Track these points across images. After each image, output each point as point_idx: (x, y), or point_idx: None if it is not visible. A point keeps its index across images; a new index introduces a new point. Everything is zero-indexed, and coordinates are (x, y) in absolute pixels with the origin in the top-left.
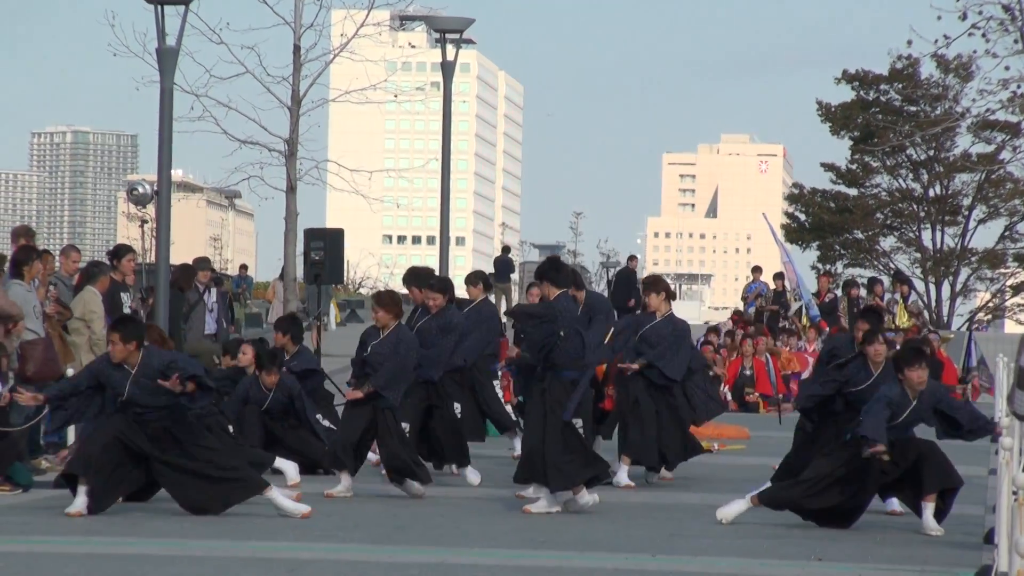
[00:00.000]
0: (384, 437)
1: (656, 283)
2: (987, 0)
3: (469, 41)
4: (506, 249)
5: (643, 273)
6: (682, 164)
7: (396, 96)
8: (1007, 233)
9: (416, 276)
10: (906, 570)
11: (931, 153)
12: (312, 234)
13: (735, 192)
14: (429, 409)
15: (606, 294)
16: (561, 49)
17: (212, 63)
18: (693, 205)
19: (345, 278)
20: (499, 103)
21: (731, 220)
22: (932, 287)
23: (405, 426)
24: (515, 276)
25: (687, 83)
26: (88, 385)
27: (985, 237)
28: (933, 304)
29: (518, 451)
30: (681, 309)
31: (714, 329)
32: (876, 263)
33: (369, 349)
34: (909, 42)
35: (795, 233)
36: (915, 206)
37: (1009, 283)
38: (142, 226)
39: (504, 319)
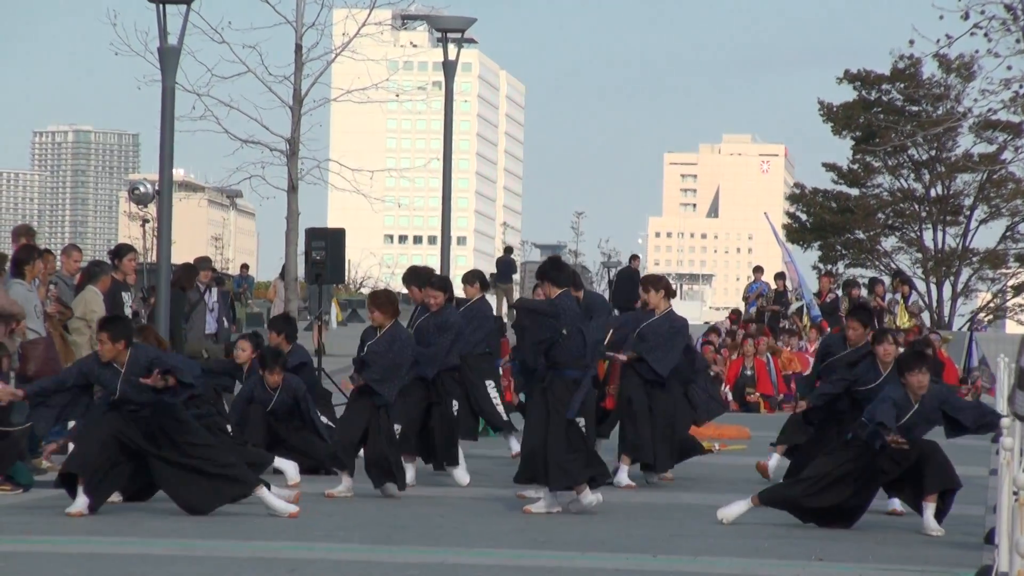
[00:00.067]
0: (373, 435)
1: (656, 280)
2: (989, 0)
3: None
4: (508, 250)
5: (645, 273)
6: (684, 164)
7: (398, 95)
8: (1008, 233)
9: (416, 275)
10: (907, 570)
11: (933, 153)
12: (313, 234)
13: (736, 192)
14: (429, 408)
15: (607, 294)
16: (562, 49)
17: (214, 62)
18: (694, 205)
19: (346, 278)
20: (500, 102)
21: (732, 220)
22: (933, 287)
23: (397, 428)
24: (516, 276)
25: (689, 83)
26: (75, 383)
27: (986, 237)
28: (934, 304)
29: (515, 450)
30: (682, 309)
31: (714, 329)
32: (877, 263)
33: (366, 349)
34: (911, 42)
35: (796, 233)
36: (916, 206)
37: (1010, 283)
38: (143, 225)
39: (505, 318)
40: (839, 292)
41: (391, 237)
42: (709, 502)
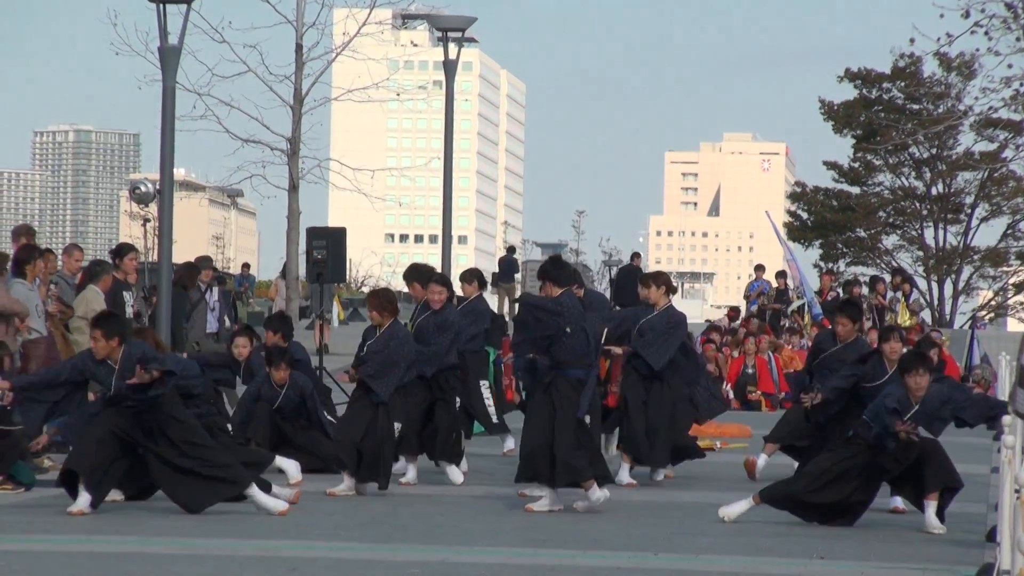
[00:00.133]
0: (370, 433)
1: (656, 276)
2: None
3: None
4: (511, 249)
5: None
6: (685, 162)
7: (398, 95)
8: (1009, 231)
9: (418, 272)
10: (908, 568)
11: (934, 151)
12: (314, 233)
13: (738, 190)
14: (431, 407)
15: (608, 293)
16: (563, 47)
17: (214, 62)
18: (695, 204)
19: (347, 277)
20: (501, 101)
21: (733, 218)
22: (935, 285)
23: (398, 426)
24: (518, 276)
25: (689, 81)
26: (69, 379)
27: (987, 235)
28: (936, 302)
29: (507, 448)
30: (684, 307)
31: (715, 328)
32: (878, 261)
33: (365, 348)
34: (912, 40)
35: (798, 231)
36: (917, 204)
37: (1011, 281)
38: (144, 225)
39: (507, 316)
40: (840, 290)
41: (392, 236)
42: (710, 500)
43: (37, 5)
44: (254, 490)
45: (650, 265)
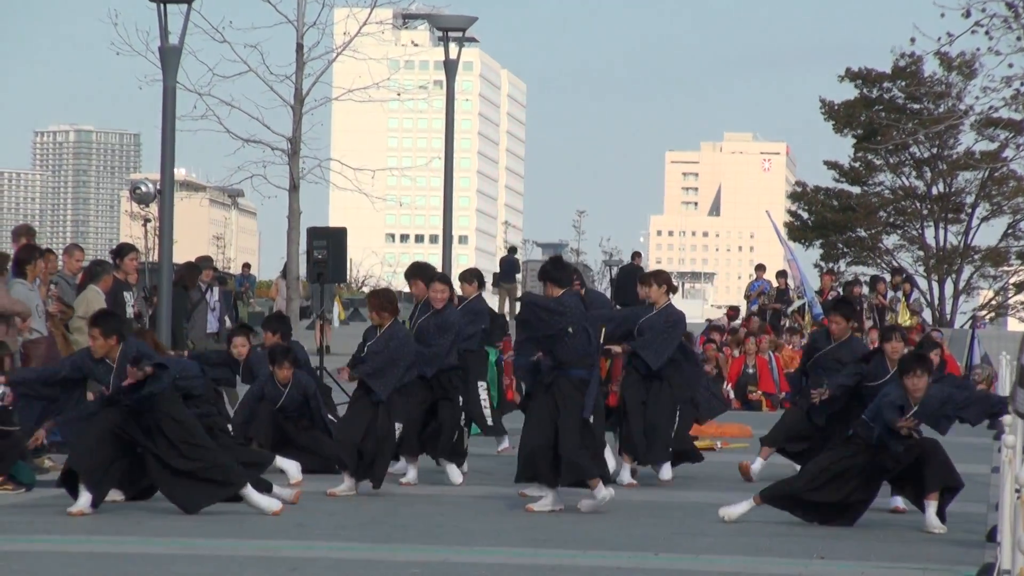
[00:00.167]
0: (370, 432)
1: (657, 275)
2: None
3: (472, 39)
4: (512, 250)
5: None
6: (685, 162)
7: (399, 94)
8: (1010, 231)
9: (421, 270)
10: (909, 568)
11: (934, 151)
12: (315, 233)
13: (738, 190)
14: (433, 408)
15: (609, 292)
16: (564, 47)
17: (215, 62)
18: (696, 203)
19: (348, 277)
20: (502, 101)
21: (734, 218)
22: (935, 285)
23: (399, 427)
24: (519, 276)
25: (690, 81)
26: (68, 376)
27: (988, 235)
28: (936, 302)
29: (501, 447)
30: (684, 307)
31: (716, 327)
32: (879, 261)
33: (366, 349)
34: (912, 40)
35: (798, 231)
36: (918, 204)
37: (1012, 281)
38: (145, 225)
39: (509, 316)
40: (841, 290)
41: (393, 236)
42: (710, 500)
43: (38, 5)
44: (248, 489)
45: (650, 265)
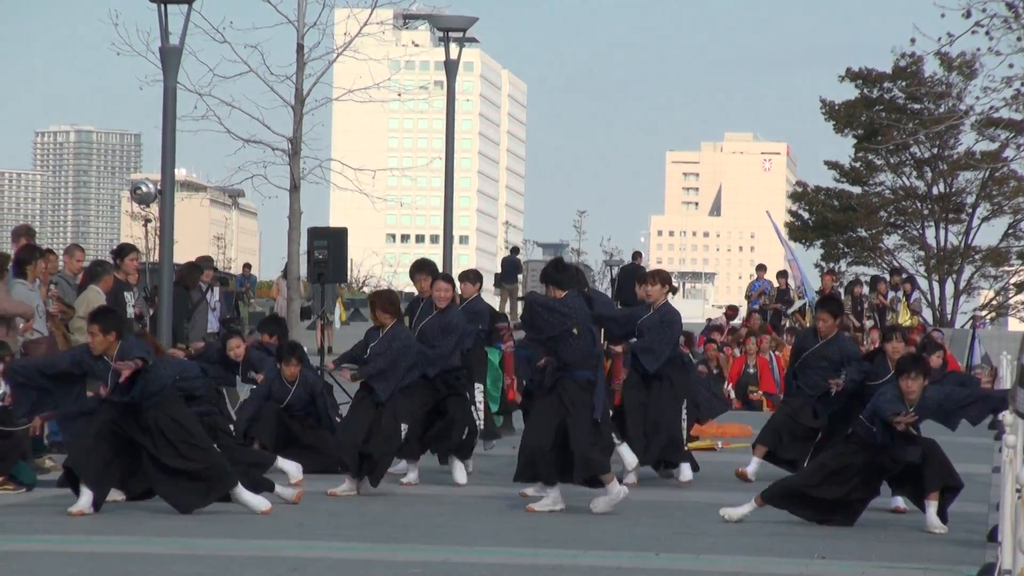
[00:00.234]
0: (375, 432)
1: (657, 273)
2: None
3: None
4: (515, 250)
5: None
6: (686, 162)
7: (399, 95)
8: (1011, 231)
9: (426, 265)
10: (910, 568)
11: (935, 151)
12: (316, 233)
13: (739, 190)
14: (437, 408)
15: (610, 293)
16: (564, 47)
17: (215, 62)
18: (697, 203)
19: (348, 277)
20: (502, 101)
21: (735, 218)
22: (936, 285)
23: (404, 427)
24: (521, 276)
25: (690, 81)
26: (68, 370)
27: (989, 235)
28: (937, 302)
29: (489, 445)
30: (685, 307)
31: (717, 327)
32: (880, 261)
33: (368, 351)
34: (912, 40)
35: (799, 231)
36: (919, 204)
37: (1013, 281)
38: (145, 225)
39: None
40: (841, 290)
41: (393, 236)
42: (711, 500)
43: (38, 5)
44: (238, 489)
45: (651, 265)
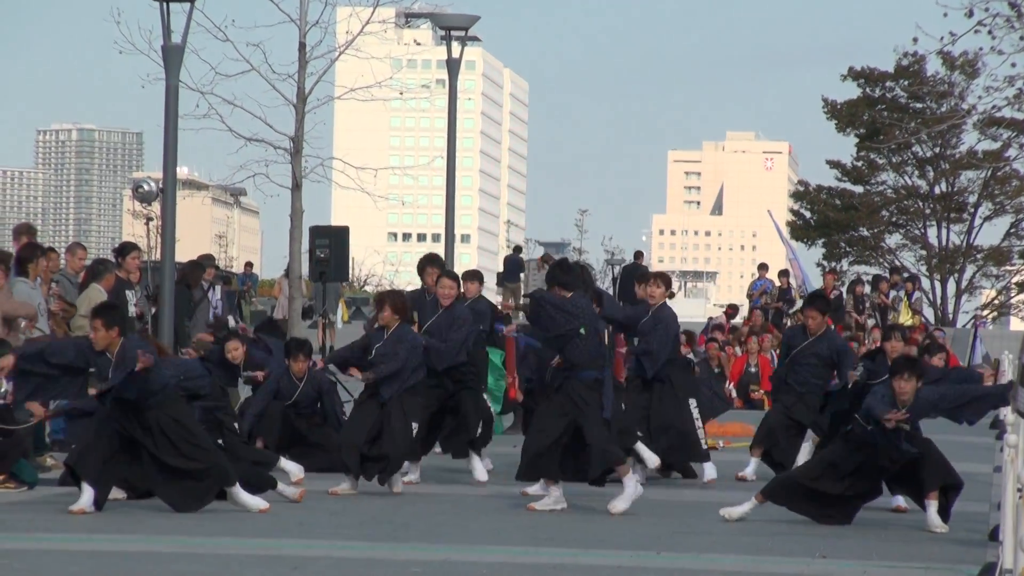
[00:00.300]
0: (385, 432)
1: (659, 275)
2: None
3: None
4: (517, 249)
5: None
6: (687, 162)
7: (401, 93)
8: (1013, 230)
9: (437, 259)
10: (911, 567)
11: (937, 150)
12: (317, 232)
13: (740, 189)
14: (443, 409)
15: (612, 291)
16: (566, 46)
17: (217, 60)
18: (698, 203)
19: (350, 276)
20: (504, 100)
21: (736, 217)
22: (938, 284)
23: (415, 426)
24: (523, 275)
25: (692, 80)
26: (72, 363)
27: (991, 234)
28: (939, 301)
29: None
30: (687, 306)
31: (718, 327)
32: (881, 260)
33: (373, 352)
34: (915, 39)
35: (801, 230)
36: (921, 203)
37: (1015, 280)
38: (147, 224)
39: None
40: (843, 289)
41: (395, 235)
42: (712, 499)
43: (40, 4)
44: (236, 488)
45: (653, 264)
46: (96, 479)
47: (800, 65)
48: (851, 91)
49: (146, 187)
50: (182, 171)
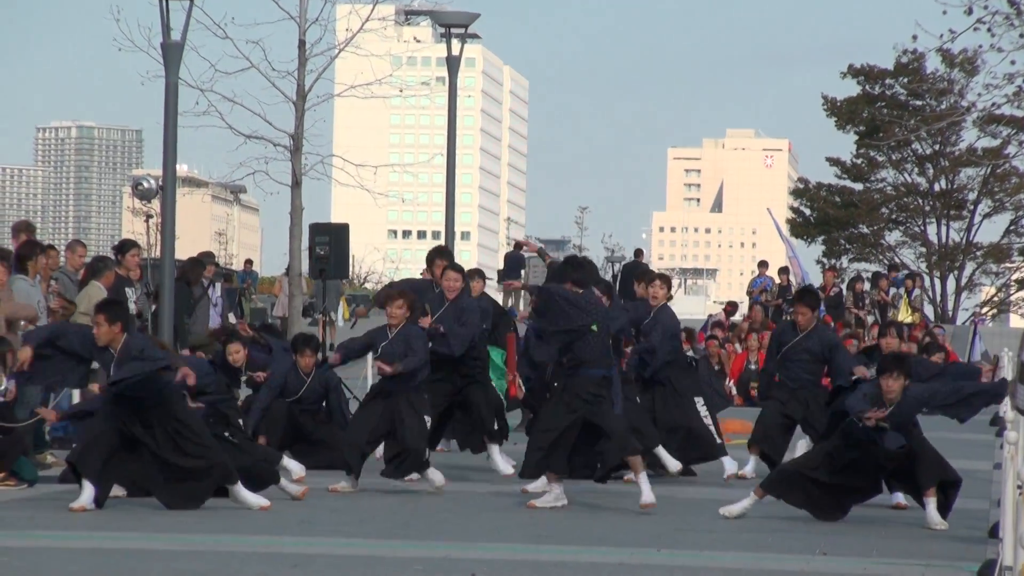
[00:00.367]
0: (400, 429)
1: (662, 276)
2: None
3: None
4: (518, 245)
5: (647, 268)
6: (687, 159)
7: (401, 91)
8: (1012, 227)
9: (446, 252)
10: (911, 564)
11: (936, 147)
12: (317, 229)
13: (740, 187)
14: (449, 410)
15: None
16: (566, 44)
17: (217, 58)
18: (698, 200)
19: (350, 273)
20: (504, 98)
21: (736, 215)
22: (937, 282)
23: (428, 418)
24: (523, 272)
25: (692, 78)
26: (77, 352)
27: (990, 232)
28: (938, 299)
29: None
30: (686, 304)
31: (719, 324)
32: (881, 258)
33: (380, 350)
34: (914, 37)
35: (800, 228)
36: (920, 201)
37: (1014, 277)
38: (147, 221)
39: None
40: (843, 286)
41: (395, 232)
42: (713, 496)
43: (40, 1)
44: (238, 487)
45: (653, 261)
46: (97, 477)
47: (800, 62)
48: (851, 88)
49: (146, 184)
50: (182, 168)
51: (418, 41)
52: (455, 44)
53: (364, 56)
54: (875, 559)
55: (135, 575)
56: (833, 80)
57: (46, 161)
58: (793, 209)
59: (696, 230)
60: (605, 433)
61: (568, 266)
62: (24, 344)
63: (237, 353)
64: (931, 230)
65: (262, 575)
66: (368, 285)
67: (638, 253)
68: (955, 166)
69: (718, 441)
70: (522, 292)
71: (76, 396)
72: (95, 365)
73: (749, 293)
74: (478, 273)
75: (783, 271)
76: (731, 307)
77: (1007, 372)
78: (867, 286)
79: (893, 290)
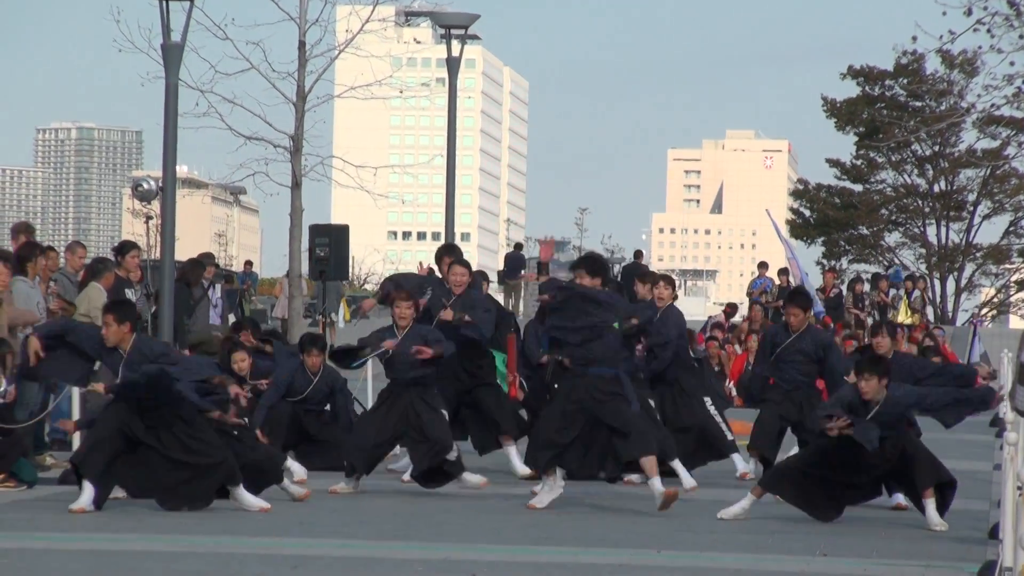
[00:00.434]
0: (419, 427)
1: (666, 278)
2: None
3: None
4: (518, 246)
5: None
6: (687, 160)
7: (401, 92)
8: (1012, 229)
9: (454, 248)
10: (911, 565)
11: (936, 149)
12: (317, 230)
13: (740, 188)
14: (460, 408)
15: None
16: (566, 45)
17: (217, 59)
18: (698, 201)
19: (350, 274)
20: (504, 99)
21: (736, 216)
22: (937, 283)
23: (444, 412)
24: (524, 272)
25: (692, 79)
26: (83, 348)
27: (990, 233)
28: (938, 300)
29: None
30: (686, 305)
31: (718, 325)
32: (881, 259)
33: (393, 352)
34: (914, 38)
35: (800, 229)
36: (920, 202)
37: (1014, 279)
38: (147, 222)
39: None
40: (843, 287)
41: (395, 233)
42: (713, 497)
43: (39, 2)
44: (240, 489)
45: (653, 262)
46: (99, 478)
47: (799, 63)
48: (850, 89)
49: (146, 185)
50: (182, 169)
51: (418, 42)
52: (455, 45)
53: (364, 57)
54: (875, 560)
55: None
56: (833, 81)
57: (46, 162)
58: (793, 210)
59: (696, 231)
60: (619, 431)
61: (591, 263)
62: (33, 335)
63: (243, 362)
64: (931, 231)
65: None
66: (368, 286)
67: (638, 254)
68: (955, 167)
69: (729, 437)
70: (521, 292)
71: (76, 396)
72: (96, 365)
73: (749, 294)
74: (480, 275)
75: (783, 272)
76: (731, 308)
77: (1006, 374)
78: (867, 287)
79: (893, 291)
